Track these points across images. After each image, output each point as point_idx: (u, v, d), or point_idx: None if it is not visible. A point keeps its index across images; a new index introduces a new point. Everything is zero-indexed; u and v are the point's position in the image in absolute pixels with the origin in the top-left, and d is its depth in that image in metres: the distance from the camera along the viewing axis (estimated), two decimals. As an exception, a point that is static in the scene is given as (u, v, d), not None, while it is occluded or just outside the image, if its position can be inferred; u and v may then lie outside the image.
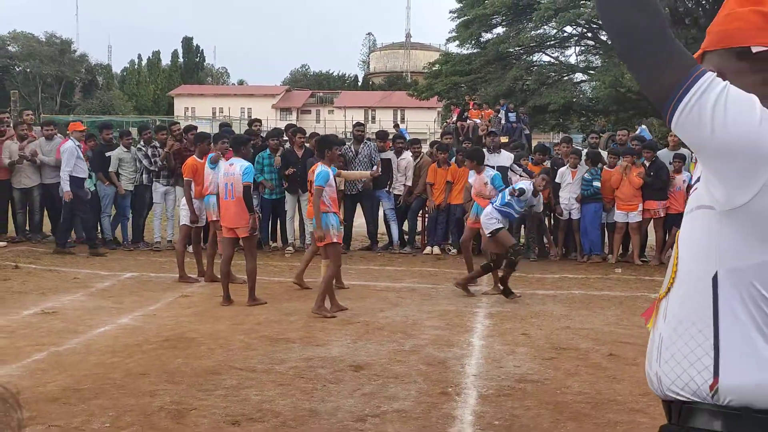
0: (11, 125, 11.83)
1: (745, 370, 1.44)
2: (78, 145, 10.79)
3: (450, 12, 31.19)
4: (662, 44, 1.47)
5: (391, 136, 13.37)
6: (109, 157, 11.27)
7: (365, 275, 9.74)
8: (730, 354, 1.46)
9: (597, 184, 10.93)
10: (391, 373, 5.54)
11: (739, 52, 1.55)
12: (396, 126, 26.49)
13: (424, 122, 53.76)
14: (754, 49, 1.53)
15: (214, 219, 8.60)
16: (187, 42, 78.19)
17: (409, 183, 11.81)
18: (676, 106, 1.44)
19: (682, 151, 11.14)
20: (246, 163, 7.96)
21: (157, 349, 6.10)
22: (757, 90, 1.47)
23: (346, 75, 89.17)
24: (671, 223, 10.71)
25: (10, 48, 65.20)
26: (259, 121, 13.15)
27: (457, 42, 31.64)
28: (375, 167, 10.90)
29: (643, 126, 21.00)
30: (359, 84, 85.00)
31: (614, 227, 11.12)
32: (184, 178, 9.12)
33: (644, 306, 7.50)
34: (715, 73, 1.46)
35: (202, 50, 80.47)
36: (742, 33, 1.55)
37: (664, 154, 11.19)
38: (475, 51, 31.04)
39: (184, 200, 9.18)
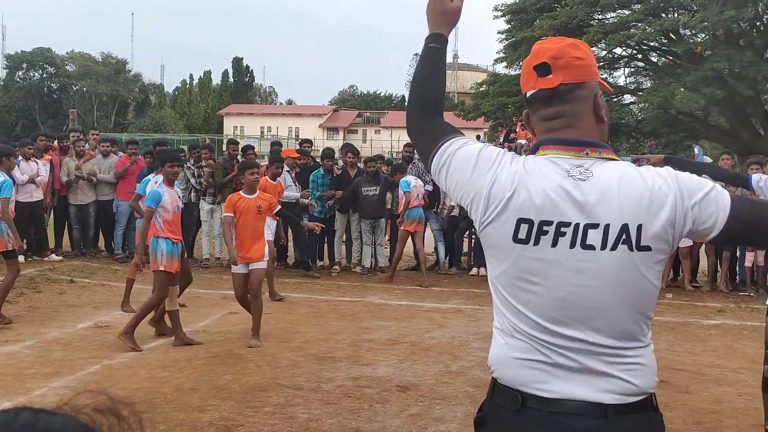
0: (74, 143, 12.16)
1: None
2: (287, 171, 10.92)
3: (498, 33, 31.22)
4: (427, 122, 2.05)
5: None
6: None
7: (412, 295, 9.74)
8: None
9: None
10: (438, 394, 5.52)
11: (524, 99, 1.88)
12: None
13: (470, 143, 53.56)
14: (527, 94, 1.86)
15: None
16: (237, 62, 79.47)
17: (454, 203, 11.78)
18: (431, 165, 1.93)
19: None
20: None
21: (207, 365, 6.18)
22: (541, 126, 1.84)
23: (393, 95, 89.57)
24: (721, 247, 10.49)
25: (68, 68, 67.16)
26: (310, 141, 13.29)
27: (504, 63, 31.60)
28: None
29: (699, 146, 20.64)
30: (406, 104, 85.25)
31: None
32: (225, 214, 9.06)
33: (697, 333, 7.39)
34: (456, 140, 1.92)
35: (252, 70, 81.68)
36: (522, 82, 1.88)
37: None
38: (523, 72, 30.92)
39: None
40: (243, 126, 66.16)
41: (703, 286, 10.81)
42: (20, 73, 66.69)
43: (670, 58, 29.93)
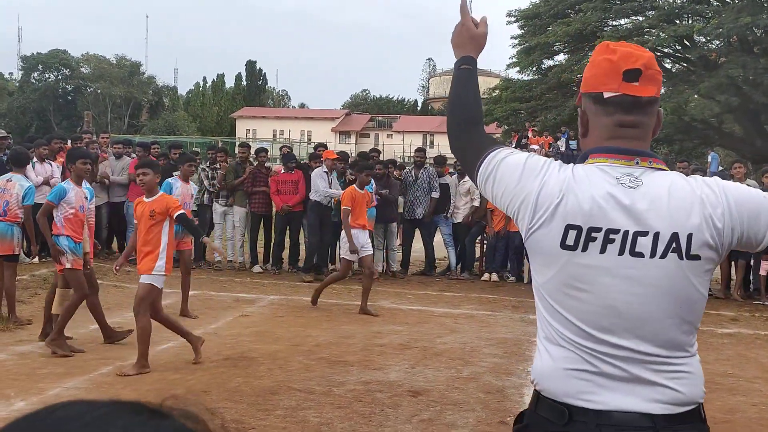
0: (88, 145, 12.22)
1: None
2: (319, 173, 10.95)
3: (511, 38, 31.18)
4: (470, 135, 2.00)
5: (451, 161, 13.38)
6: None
7: (423, 300, 9.73)
8: None
9: None
10: (450, 400, 5.51)
11: (595, 97, 1.81)
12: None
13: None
14: (605, 95, 1.78)
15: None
16: (250, 65, 79.73)
17: (477, 203, 11.66)
18: (477, 175, 1.92)
19: (748, 182, 10.87)
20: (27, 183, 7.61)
21: (218, 368, 6.19)
22: (611, 131, 1.79)
23: (406, 100, 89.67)
24: (736, 255, 10.43)
25: (83, 70, 67.60)
26: (325, 145, 13.31)
27: (517, 68, 31.55)
28: None
29: (714, 153, 20.52)
30: (418, 109, 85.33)
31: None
32: (342, 207, 8.71)
33: (710, 341, 7.31)
34: (502, 150, 1.90)
35: (265, 73, 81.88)
36: (596, 80, 1.80)
37: (732, 186, 10.90)
38: (536, 78, 30.90)
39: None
40: (255, 129, 66.33)
41: (716, 293, 10.74)
42: (35, 74, 67.19)
43: (684, 64, 29.82)
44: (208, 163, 11.78)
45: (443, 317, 8.66)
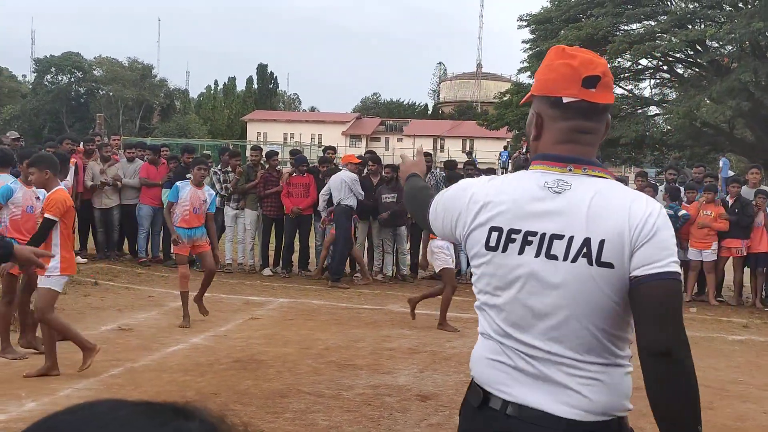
0: (100, 147, 12.29)
1: None
2: (355, 178, 10.94)
3: (522, 42, 31.18)
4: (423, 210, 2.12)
5: (461, 165, 13.39)
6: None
7: (433, 304, 9.71)
8: None
9: (684, 212, 10.55)
10: (458, 404, 5.48)
11: (553, 101, 1.81)
12: (468, 153, 26.46)
13: (492, 152, 53.60)
14: (565, 100, 1.78)
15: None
16: (261, 69, 79.94)
17: None
18: (430, 222, 2.09)
19: (763, 187, 10.83)
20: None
21: (228, 370, 6.22)
22: (567, 135, 1.80)
23: (416, 104, 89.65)
24: (749, 261, 10.39)
25: (95, 72, 67.97)
26: (334, 148, 13.33)
27: (529, 73, 31.54)
28: None
29: (725, 159, 20.42)
30: (429, 113, 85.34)
31: (688, 265, 10.83)
32: None
33: (721, 348, 7.27)
34: (441, 192, 2.06)
35: (276, 77, 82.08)
36: (555, 84, 1.80)
37: (744, 192, 10.86)
38: (547, 82, 30.83)
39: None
40: (266, 132, 66.50)
41: (728, 300, 10.69)
42: (48, 76, 67.57)
43: (696, 69, 29.73)
44: (220, 167, 11.82)
45: (452, 321, 8.65)
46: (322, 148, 14.89)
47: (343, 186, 10.79)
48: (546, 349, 1.74)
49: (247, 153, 12.98)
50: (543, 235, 1.74)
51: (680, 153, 31.38)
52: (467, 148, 49.65)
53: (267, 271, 11.55)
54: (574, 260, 1.70)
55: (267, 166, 11.85)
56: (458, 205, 1.91)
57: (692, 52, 28.49)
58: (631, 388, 1.78)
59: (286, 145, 45.87)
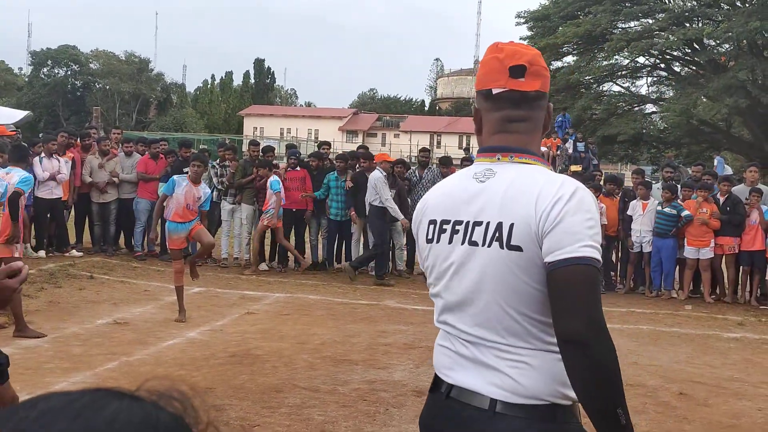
0: (99, 141, 12.25)
1: None
2: (379, 178, 10.79)
3: (520, 39, 31.11)
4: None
5: (459, 161, 13.39)
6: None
7: (428, 300, 9.68)
8: None
9: (687, 212, 10.56)
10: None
11: (485, 94, 1.88)
12: (465, 149, 26.41)
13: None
14: (494, 91, 1.85)
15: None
16: (258, 63, 79.88)
17: None
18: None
19: (759, 186, 10.83)
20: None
21: (224, 365, 6.21)
22: (499, 126, 1.86)
23: (413, 100, 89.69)
24: (744, 259, 10.41)
25: (92, 65, 67.82)
26: (328, 144, 13.31)
27: (526, 70, 31.48)
28: None
29: (719, 157, 20.47)
30: (426, 109, 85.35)
31: (685, 263, 10.84)
32: None
33: (716, 345, 7.26)
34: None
35: (273, 72, 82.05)
36: (486, 77, 1.87)
37: (741, 190, 10.88)
38: (544, 79, 30.83)
39: None
40: (263, 127, 66.43)
41: (724, 298, 10.71)
42: (45, 69, 67.45)
43: (693, 67, 29.76)
44: (217, 161, 11.80)
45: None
46: (318, 143, 14.87)
47: (370, 186, 10.78)
48: (475, 333, 1.80)
49: (244, 147, 12.95)
50: (467, 223, 1.81)
51: (677, 151, 31.43)
52: (464, 145, 49.68)
53: (263, 266, 11.54)
54: (489, 245, 1.75)
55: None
56: (414, 222, 2.03)
57: (689, 50, 28.52)
58: None
59: (283, 140, 45.85)
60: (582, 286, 1.65)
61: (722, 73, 25.74)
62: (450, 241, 1.84)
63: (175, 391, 0.70)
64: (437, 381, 1.92)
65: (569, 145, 20.49)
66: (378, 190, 10.66)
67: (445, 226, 1.86)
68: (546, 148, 20.92)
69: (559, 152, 20.55)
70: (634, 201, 11.12)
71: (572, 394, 1.72)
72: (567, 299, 1.64)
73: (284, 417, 4.99)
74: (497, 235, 1.74)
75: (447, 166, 12.35)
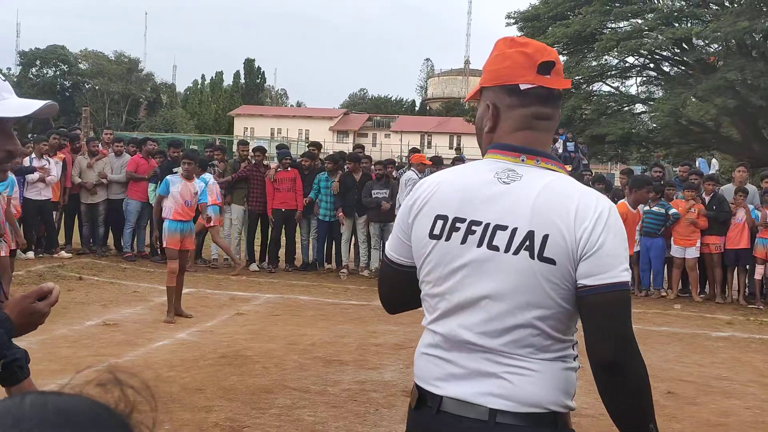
0: (88, 142, 12.21)
1: None
2: (410, 178, 10.75)
3: (510, 40, 31.16)
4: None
5: (447, 161, 13.41)
6: (176, 172, 11.56)
7: (419, 300, 9.73)
8: None
9: (675, 211, 10.62)
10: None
11: (510, 89, 1.78)
12: (457, 149, 26.41)
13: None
14: (522, 87, 1.76)
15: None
16: (249, 63, 79.74)
17: None
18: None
19: (747, 185, 10.91)
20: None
21: (214, 366, 6.19)
22: (526, 122, 1.78)
23: (404, 100, 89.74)
24: (730, 258, 10.47)
25: (81, 66, 67.53)
26: (319, 144, 13.31)
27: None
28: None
29: (701, 159, 20.60)
30: (416, 109, 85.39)
31: (672, 262, 10.90)
32: None
33: (705, 344, 7.31)
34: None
35: (264, 72, 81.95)
36: (510, 71, 1.77)
37: (729, 189, 10.95)
38: (534, 79, 30.92)
39: None
40: (253, 127, 66.31)
41: (712, 297, 10.76)
42: (33, 70, 67.17)
43: (683, 67, 29.86)
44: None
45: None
46: (308, 143, 14.87)
47: (402, 185, 10.77)
48: (479, 341, 1.69)
49: (234, 148, 12.93)
50: (487, 225, 1.70)
51: (666, 151, 31.54)
52: (455, 145, 49.72)
53: (254, 267, 11.52)
54: (516, 252, 1.65)
55: (254, 162, 11.83)
56: (403, 212, 1.88)
57: (678, 51, 28.60)
58: (574, 385, 1.73)
59: (273, 140, 45.79)
60: (621, 311, 1.63)
61: (711, 73, 25.82)
62: (463, 241, 1.71)
63: (106, 379, 0.70)
64: (421, 394, 1.78)
65: (559, 145, 20.51)
66: (407, 189, 10.69)
67: (458, 225, 1.73)
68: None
69: (549, 151, 20.59)
70: (622, 201, 11.14)
71: (571, 403, 1.72)
72: (606, 324, 1.62)
73: (274, 418, 4.99)
74: (527, 243, 1.65)
75: (438, 165, 12.36)
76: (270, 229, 11.68)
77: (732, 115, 27.13)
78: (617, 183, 13.81)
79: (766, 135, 28.75)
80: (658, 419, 5.03)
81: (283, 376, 5.96)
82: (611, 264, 1.62)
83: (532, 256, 1.64)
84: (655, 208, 10.76)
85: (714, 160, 26.03)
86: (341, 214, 11.33)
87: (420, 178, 10.74)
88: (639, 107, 32.17)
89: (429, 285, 1.79)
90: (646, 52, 29.10)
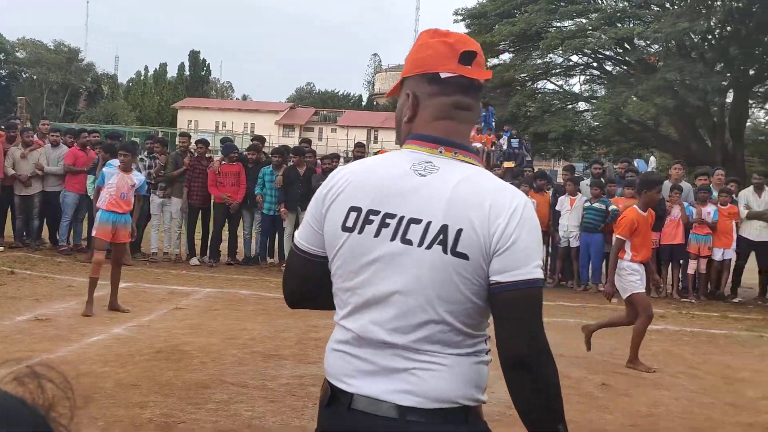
0: (22, 132, 11.85)
1: None
2: None
3: (458, 37, 31.40)
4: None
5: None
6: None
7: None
8: None
9: (614, 207, 10.83)
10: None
11: (430, 78, 1.76)
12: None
13: (426, 144, 53.84)
14: (443, 75, 1.74)
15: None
16: (194, 55, 78.49)
17: None
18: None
19: (682, 183, 11.20)
20: None
21: (150, 361, 6.08)
22: (446, 111, 1.76)
23: (351, 95, 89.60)
24: (665, 253, 10.74)
25: (18, 54, 65.56)
26: (262, 138, 13.19)
27: (462, 67, 31.85)
28: None
29: (641, 159, 21.13)
30: (363, 104, 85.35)
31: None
32: (616, 236, 6.83)
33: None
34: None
35: (209, 64, 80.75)
36: (432, 60, 1.75)
37: (665, 186, 11.22)
38: (480, 76, 31.23)
39: None
40: (197, 120, 65.40)
41: (651, 292, 11.02)
42: (-32, 58, 64.93)
43: (624, 67, 30.52)
44: (146, 153, 11.56)
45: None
46: (252, 137, 14.74)
47: None
48: (389, 338, 1.66)
49: (176, 140, 12.72)
50: (401, 218, 1.66)
51: (607, 148, 32.21)
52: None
53: (194, 261, 11.37)
54: (429, 247, 1.62)
55: (196, 154, 11.66)
56: (316, 200, 1.81)
57: (621, 50, 29.24)
58: (486, 378, 1.71)
59: (218, 134, 45.24)
60: (532, 309, 1.61)
61: (652, 73, 26.45)
62: (377, 235, 1.67)
63: (22, 373, 0.68)
64: (333, 391, 1.75)
65: (504, 141, 20.78)
66: None
67: (372, 217, 1.68)
68: (481, 144, 21.19)
69: (493, 148, 20.83)
70: (563, 197, 11.36)
71: (482, 396, 1.69)
72: (516, 322, 1.60)
73: (210, 413, 4.93)
74: (440, 238, 1.61)
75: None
76: (211, 223, 11.54)
77: (671, 115, 27.87)
78: (559, 179, 14.02)
79: (703, 134, 29.61)
80: (592, 410, 5.12)
81: (221, 371, 5.89)
82: (524, 261, 1.60)
83: (445, 251, 1.61)
84: (596, 204, 10.97)
85: (652, 158, 26.71)
86: (284, 209, 11.26)
87: None
88: (582, 105, 32.82)
89: (341, 279, 1.74)
90: (589, 51, 29.65)
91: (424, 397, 1.63)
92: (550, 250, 11.83)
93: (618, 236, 6.53)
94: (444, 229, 1.62)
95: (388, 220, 1.67)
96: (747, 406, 5.71)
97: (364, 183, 1.73)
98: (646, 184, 6.84)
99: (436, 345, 1.64)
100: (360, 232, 1.69)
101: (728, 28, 27.60)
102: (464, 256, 1.60)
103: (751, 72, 28.48)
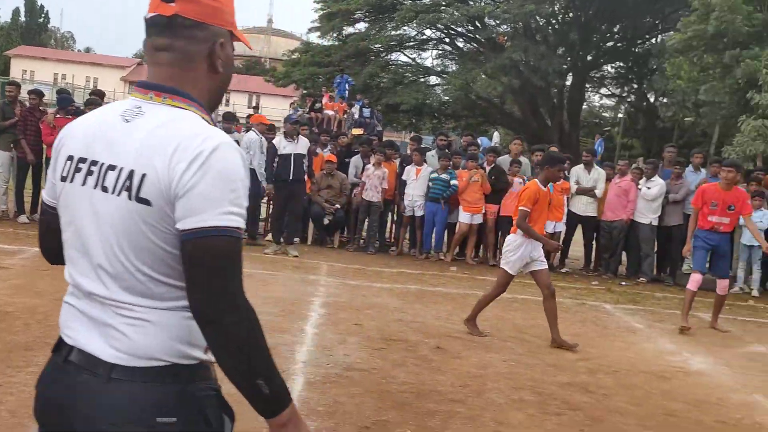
0: None
1: None
2: (260, 136, 10.86)
3: (314, 2, 31.10)
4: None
5: (245, 118, 13.14)
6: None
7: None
8: None
9: (455, 182, 11.18)
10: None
11: (145, 23, 1.73)
12: (255, 108, 25.79)
13: (279, 109, 53.24)
14: (147, 17, 1.71)
15: None
16: (30, 1, 72.99)
17: None
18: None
19: (521, 158, 11.75)
20: None
21: (-35, 322, 5.66)
22: (149, 56, 1.73)
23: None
24: (504, 225, 11.25)
25: None
26: (102, 93, 12.50)
27: (318, 33, 31.64)
28: None
29: (485, 137, 22.00)
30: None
31: (453, 227, 11.54)
32: (520, 208, 6.80)
33: (473, 303, 7.80)
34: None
35: (47, 11, 75.35)
36: (149, 4, 1.73)
37: (505, 161, 11.73)
38: (335, 44, 31.16)
39: None
40: (33, 71, 61.01)
41: (489, 260, 11.52)
42: None
43: (475, 45, 31.40)
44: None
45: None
46: (90, 91, 13.93)
47: (242, 147, 10.30)
48: (96, 288, 1.63)
49: (5, 89, 11.80)
50: (101, 165, 1.62)
51: (456, 123, 33.17)
52: (253, 103, 48.96)
53: (23, 218, 10.66)
54: (119, 194, 1.58)
55: (28, 105, 10.88)
56: (54, 151, 1.77)
57: (472, 28, 30.02)
58: (195, 335, 1.61)
59: (56, 86, 42.51)
60: (218, 260, 1.52)
61: (500, 52, 27.38)
62: (83, 183, 1.64)
63: None
64: (60, 342, 1.71)
65: (356, 110, 20.88)
66: (251, 152, 10.60)
67: (81, 165, 1.65)
68: (333, 112, 21.20)
69: (345, 116, 20.91)
70: (409, 166, 11.60)
71: (199, 353, 1.63)
72: (200, 275, 1.52)
73: (31, 376, 4.62)
74: (127, 184, 1.57)
75: (231, 122, 12.08)
76: (43, 179, 10.84)
77: (515, 93, 29.03)
78: (408, 150, 14.29)
79: (543, 114, 31.14)
80: (426, 372, 5.28)
81: (47, 333, 5.57)
82: (202, 207, 1.52)
83: (130, 197, 1.57)
84: (443, 176, 11.29)
85: (496, 134, 27.78)
86: None
87: (260, 139, 10.56)
88: (433, 79, 33.47)
89: (62, 231, 1.72)
90: (442, 27, 30.24)
91: (129, 354, 1.59)
92: (395, 218, 12.08)
93: (522, 207, 6.74)
94: (131, 174, 1.58)
95: (92, 168, 1.64)
96: (566, 367, 6.11)
97: (79, 132, 1.71)
98: (549, 161, 6.98)
99: (137, 297, 1.60)
100: (71, 181, 1.67)
101: (570, 14, 29.07)
102: (147, 202, 1.56)
103: (589, 57, 30.18)
